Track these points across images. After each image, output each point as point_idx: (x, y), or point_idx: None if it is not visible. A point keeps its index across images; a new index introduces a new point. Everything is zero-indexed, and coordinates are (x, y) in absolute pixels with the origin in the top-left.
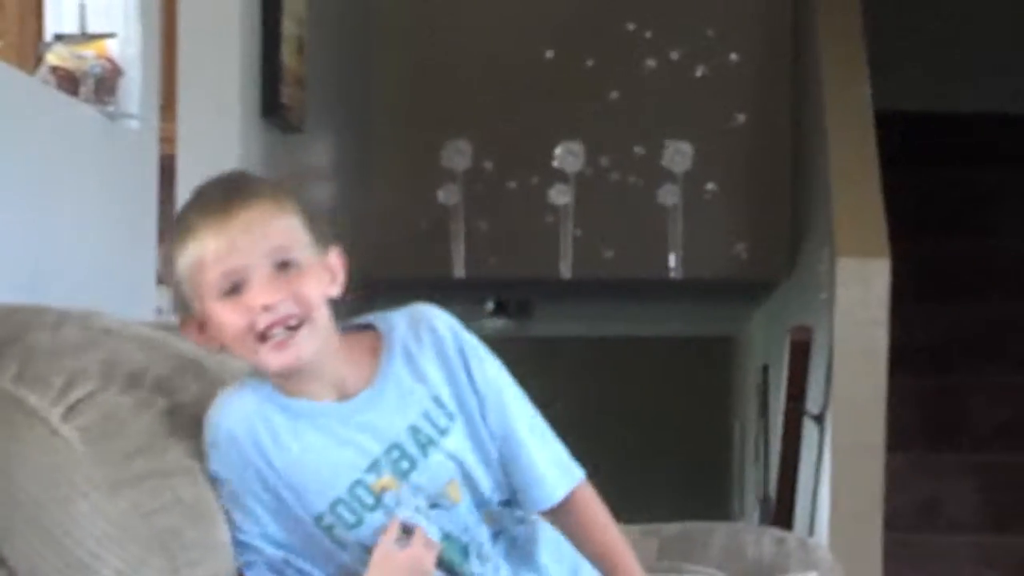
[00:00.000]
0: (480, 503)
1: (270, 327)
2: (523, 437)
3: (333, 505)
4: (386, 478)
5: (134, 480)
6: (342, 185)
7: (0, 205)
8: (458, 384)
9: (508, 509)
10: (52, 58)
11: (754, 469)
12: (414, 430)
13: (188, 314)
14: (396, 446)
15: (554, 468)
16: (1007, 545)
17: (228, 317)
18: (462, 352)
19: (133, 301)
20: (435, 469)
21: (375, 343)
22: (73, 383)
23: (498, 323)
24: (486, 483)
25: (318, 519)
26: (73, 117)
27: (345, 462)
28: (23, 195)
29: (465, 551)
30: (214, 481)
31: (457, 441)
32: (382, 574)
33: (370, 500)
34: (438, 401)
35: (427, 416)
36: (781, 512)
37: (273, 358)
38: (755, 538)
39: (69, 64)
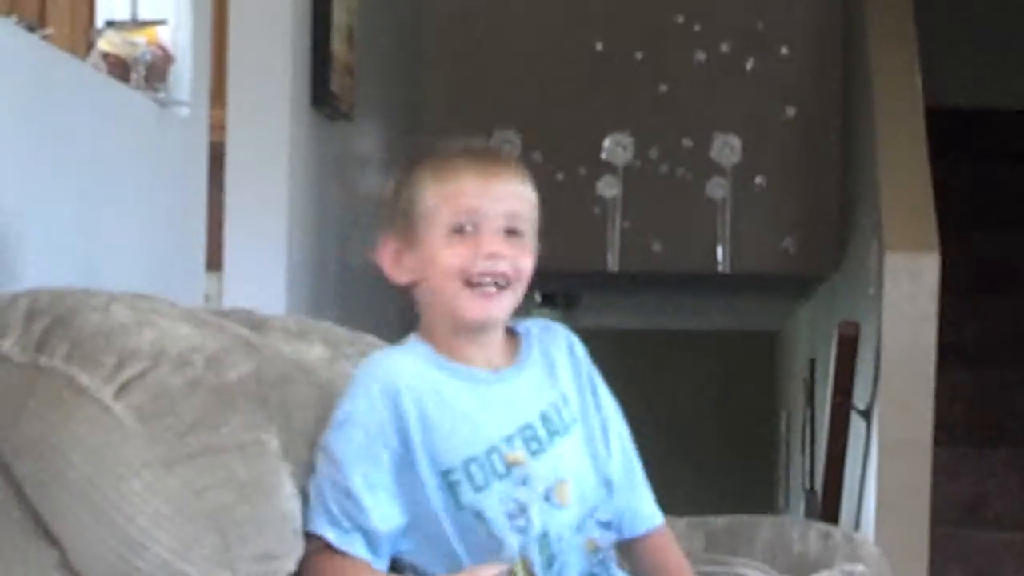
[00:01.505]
0: (582, 523)
1: (485, 274)
2: (638, 460)
3: (467, 462)
4: (518, 452)
5: (186, 458)
6: (390, 175)
7: (51, 192)
8: (584, 397)
9: (607, 535)
10: (103, 44)
11: (800, 461)
12: (544, 417)
13: (395, 237)
14: (528, 426)
15: (651, 499)
16: None
17: (450, 252)
18: (591, 371)
19: (182, 288)
20: (556, 460)
21: (511, 339)
22: (124, 362)
23: (545, 314)
24: (596, 494)
25: (446, 474)
26: (124, 104)
27: (488, 426)
28: (73, 181)
29: (551, 559)
30: (341, 427)
31: (576, 444)
32: None
33: (501, 468)
34: (565, 400)
35: (555, 408)
36: (827, 506)
37: (474, 305)
38: (801, 532)
39: (120, 51)
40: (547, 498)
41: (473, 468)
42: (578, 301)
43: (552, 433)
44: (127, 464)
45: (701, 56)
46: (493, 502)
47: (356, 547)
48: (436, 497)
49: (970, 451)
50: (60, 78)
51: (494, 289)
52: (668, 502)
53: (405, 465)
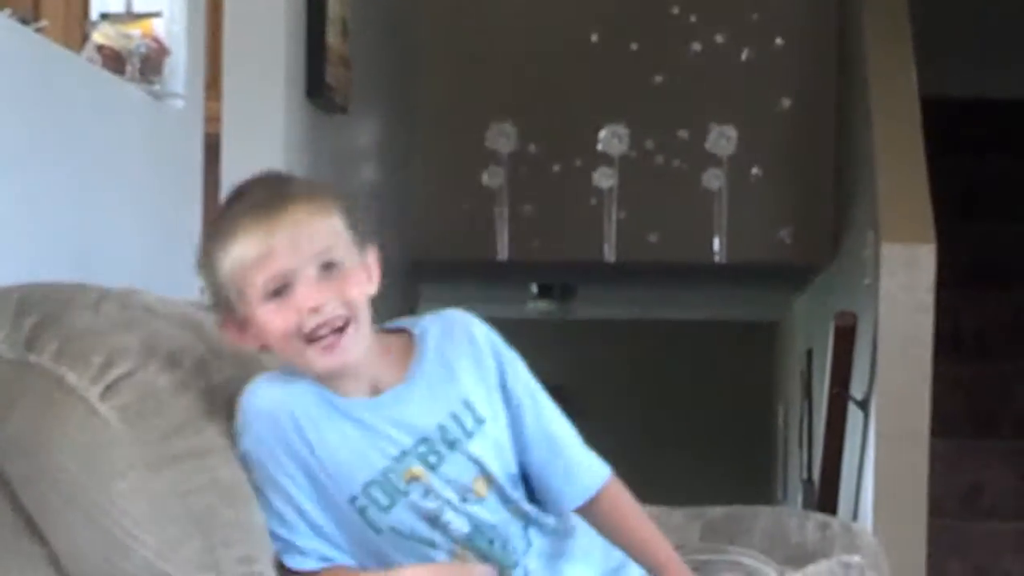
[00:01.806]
0: (505, 500)
1: (318, 328)
2: (561, 438)
3: (366, 487)
4: (415, 468)
5: (172, 460)
6: (386, 167)
7: (46, 184)
8: (491, 389)
9: (535, 506)
10: (98, 37)
11: (798, 453)
12: (442, 428)
13: (227, 314)
14: (424, 440)
15: (587, 464)
16: None
17: (274, 319)
18: (498, 358)
19: (177, 280)
20: (461, 467)
21: (408, 344)
22: (113, 361)
23: (541, 306)
24: (507, 487)
25: (352, 500)
26: (119, 96)
27: (376, 451)
28: (68, 174)
29: (491, 543)
30: (245, 462)
31: (482, 446)
32: None
33: (402, 485)
34: (467, 404)
35: (455, 417)
36: (825, 497)
37: (321, 360)
38: (799, 522)
39: (115, 43)
40: (464, 499)
41: (373, 490)
42: (574, 292)
43: (452, 443)
44: (113, 465)
45: (696, 47)
46: (405, 517)
47: (308, 563)
48: (356, 520)
49: (967, 442)
50: (54, 71)
51: (334, 336)
52: (665, 493)
53: (319, 489)
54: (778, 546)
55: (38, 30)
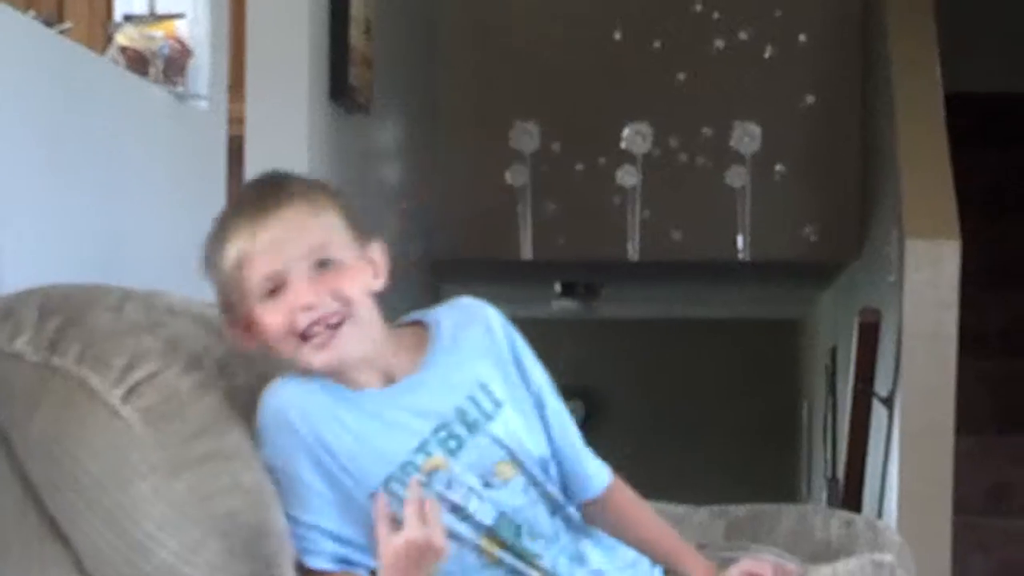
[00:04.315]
0: (534, 482)
1: (311, 326)
2: (573, 429)
3: (387, 481)
4: (436, 457)
5: (193, 463)
6: (409, 166)
7: (69, 185)
8: (508, 374)
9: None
10: (121, 38)
11: (822, 450)
12: (460, 411)
13: (232, 315)
14: (443, 426)
15: (595, 458)
16: None
17: (270, 318)
18: (513, 345)
19: (201, 282)
20: (483, 449)
21: (423, 335)
22: (134, 364)
23: (565, 304)
24: (537, 469)
25: (372, 497)
26: (142, 98)
27: (395, 443)
28: (92, 175)
29: (518, 530)
30: (268, 468)
31: (504, 427)
32: (394, 571)
33: (422, 478)
34: (484, 388)
35: (473, 400)
36: (849, 494)
37: (315, 357)
38: (823, 520)
39: (138, 44)
40: (487, 484)
41: (394, 486)
42: (598, 291)
43: (472, 426)
44: (135, 468)
45: (719, 44)
46: None
47: (326, 564)
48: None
49: (992, 439)
50: (78, 73)
51: (329, 333)
52: (689, 491)
53: (340, 489)
54: (802, 543)
55: (62, 32)
